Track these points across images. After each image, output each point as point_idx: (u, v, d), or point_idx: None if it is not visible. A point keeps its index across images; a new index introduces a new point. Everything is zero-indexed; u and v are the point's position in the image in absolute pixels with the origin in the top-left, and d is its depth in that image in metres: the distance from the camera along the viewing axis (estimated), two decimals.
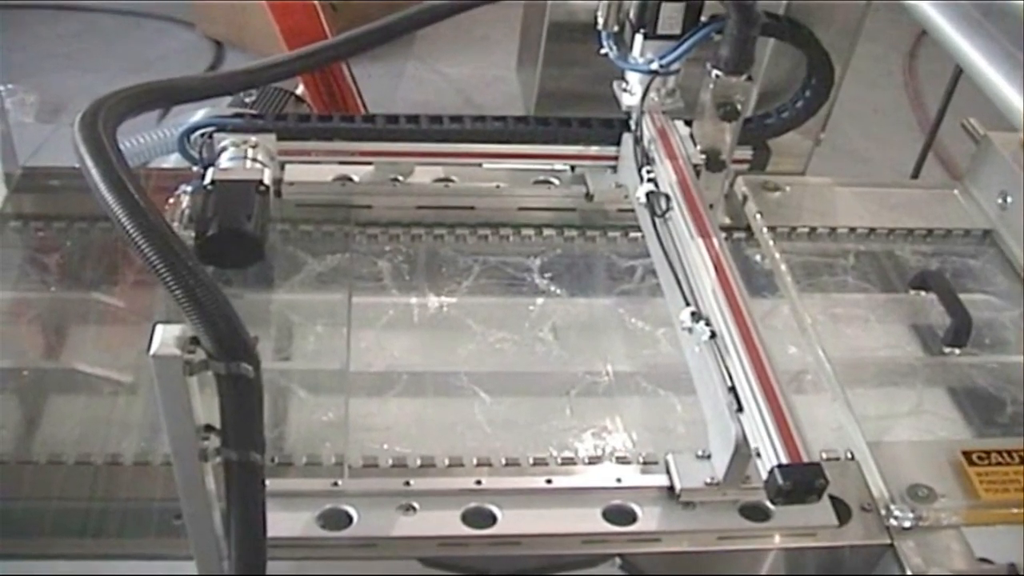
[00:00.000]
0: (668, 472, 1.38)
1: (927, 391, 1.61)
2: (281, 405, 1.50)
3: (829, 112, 1.98)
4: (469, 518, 1.33)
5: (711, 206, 1.58)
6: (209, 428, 1.07)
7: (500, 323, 1.66)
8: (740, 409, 1.27)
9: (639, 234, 1.77)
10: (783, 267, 1.74)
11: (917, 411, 1.58)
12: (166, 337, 1.01)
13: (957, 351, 1.66)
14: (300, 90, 3.15)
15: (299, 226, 1.77)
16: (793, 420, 1.23)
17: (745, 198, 1.88)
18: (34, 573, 1.30)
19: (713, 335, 1.35)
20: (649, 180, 1.61)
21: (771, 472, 1.18)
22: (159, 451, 1.38)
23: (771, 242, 1.79)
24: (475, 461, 1.41)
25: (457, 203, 1.82)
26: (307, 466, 1.40)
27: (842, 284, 1.78)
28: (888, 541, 1.34)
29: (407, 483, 1.36)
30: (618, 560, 1.32)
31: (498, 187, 1.83)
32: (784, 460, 1.18)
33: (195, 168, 1.65)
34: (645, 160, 1.67)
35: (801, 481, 1.17)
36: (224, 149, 1.65)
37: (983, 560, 1.31)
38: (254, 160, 1.64)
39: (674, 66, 1.70)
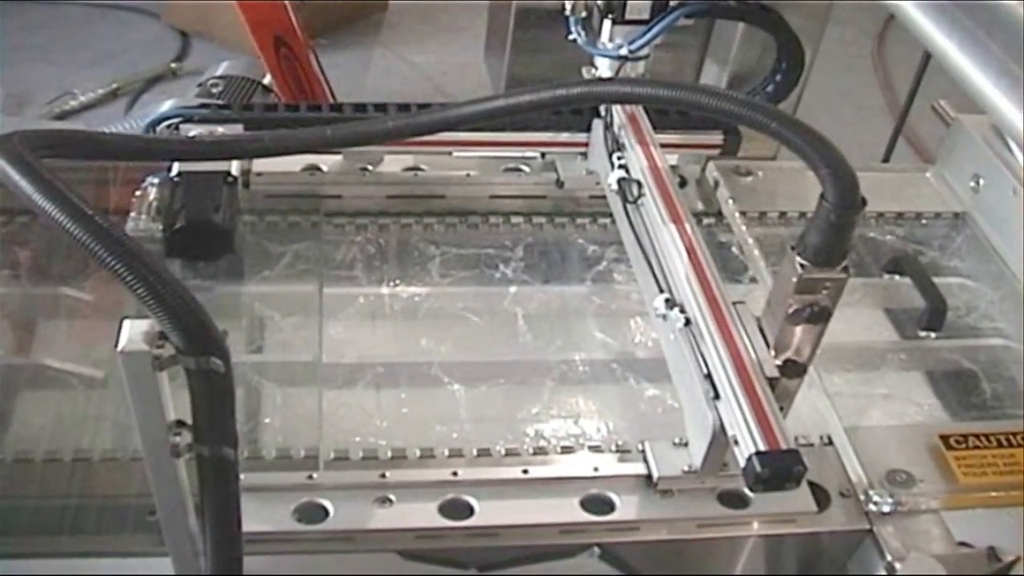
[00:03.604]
0: (645, 460, 1.37)
1: (903, 375, 1.61)
2: (254, 398, 1.48)
3: (800, 96, 1.97)
4: (446, 510, 1.32)
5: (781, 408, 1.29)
6: (181, 423, 1.05)
7: (473, 312, 1.65)
8: (717, 396, 1.26)
9: (607, 220, 1.77)
10: (756, 252, 1.73)
11: (894, 395, 1.58)
12: (134, 332, 0.99)
13: (932, 335, 1.66)
14: (268, 79, 3.12)
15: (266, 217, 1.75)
16: (770, 407, 1.22)
17: (717, 183, 1.87)
18: (8, 574, 1.28)
19: (688, 322, 1.34)
20: (620, 166, 1.60)
21: (749, 459, 1.16)
22: (132, 447, 1.36)
23: (743, 227, 1.79)
24: (450, 452, 1.40)
25: (427, 192, 1.81)
26: (281, 459, 1.39)
27: None
28: (867, 526, 1.34)
29: (383, 475, 1.35)
30: (597, 550, 1.32)
31: (468, 175, 1.82)
32: (762, 447, 1.17)
33: None
34: (616, 146, 1.65)
35: (779, 468, 1.15)
36: None
37: (962, 544, 1.31)
38: None
39: (643, 51, 1.69)
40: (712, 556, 1.38)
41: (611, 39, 1.69)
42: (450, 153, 1.81)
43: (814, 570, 1.38)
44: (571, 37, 1.73)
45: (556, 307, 1.68)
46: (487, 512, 1.32)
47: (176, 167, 1.56)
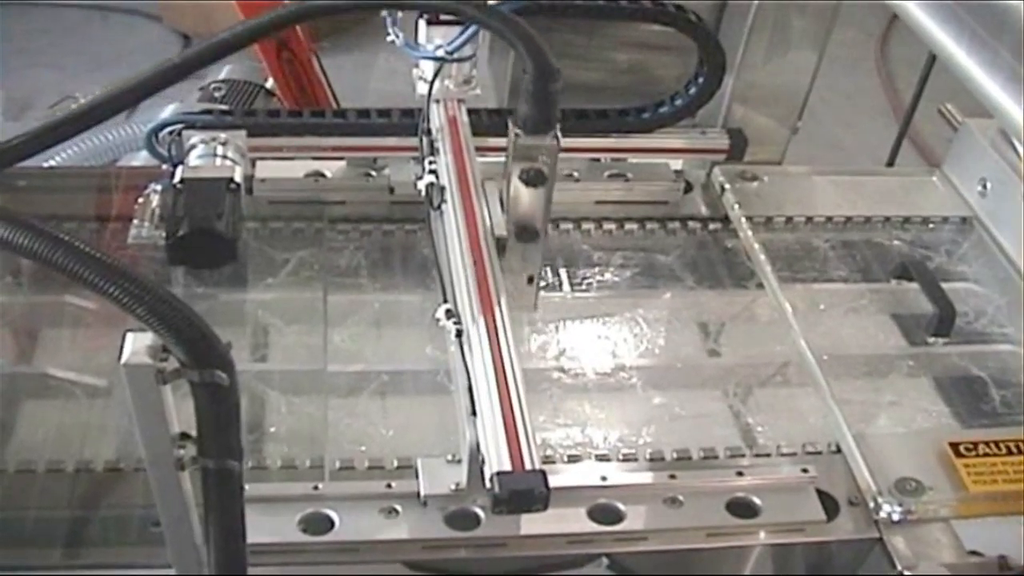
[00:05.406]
0: (417, 476, 1.33)
1: (912, 382, 1.60)
2: (258, 407, 1.47)
3: (805, 100, 1.96)
4: (453, 520, 1.31)
5: (531, 279, 1.51)
6: (185, 436, 1.04)
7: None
8: (474, 413, 1.21)
9: (612, 226, 1.77)
10: (763, 257, 1.72)
11: (902, 402, 1.57)
12: (137, 345, 0.97)
13: (941, 341, 1.65)
14: (270, 83, 3.11)
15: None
16: (524, 425, 1.17)
17: (723, 188, 1.86)
18: None
19: (460, 333, 1.29)
20: (431, 171, 1.52)
21: (491, 480, 1.12)
22: (136, 457, 1.35)
23: (750, 232, 1.78)
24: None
25: None
26: (286, 469, 1.38)
27: (823, 274, 1.77)
28: (877, 535, 1.33)
29: (389, 485, 1.33)
30: (605, 560, 1.31)
31: None
32: (505, 467, 1.12)
33: (164, 166, 1.62)
34: (431, 150, 1.57)
35: (521, 489, 1.11)
36: (193, 146, 1.61)
37: (973, 553, 1.30)
38: (224, 157, 1.60)
39: (464, 52, 1.61)
40: (720, 565, 1.37)
41: (429, 40, 1.61)
42: None
43: None
44: (389, 39, 1.64)
45: (563, 313, 1.67)
46: (494, 522, 1.30)
47: (178, 174, 1.54)
